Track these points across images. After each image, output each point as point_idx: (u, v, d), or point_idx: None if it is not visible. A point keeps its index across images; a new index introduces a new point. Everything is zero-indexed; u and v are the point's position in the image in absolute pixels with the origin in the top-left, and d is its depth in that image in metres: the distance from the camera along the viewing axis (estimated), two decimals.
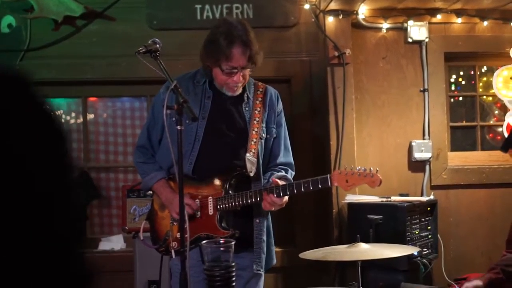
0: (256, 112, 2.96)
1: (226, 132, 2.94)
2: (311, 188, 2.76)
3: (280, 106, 3.10)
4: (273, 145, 3.04)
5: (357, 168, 2.73)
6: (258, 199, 2.81)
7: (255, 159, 2.89)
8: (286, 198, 2.84)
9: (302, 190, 2.77)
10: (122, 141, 5.12)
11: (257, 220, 2.94)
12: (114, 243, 4.90)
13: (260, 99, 3.00)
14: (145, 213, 3.83)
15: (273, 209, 2.87)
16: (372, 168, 2.71)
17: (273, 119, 3.04)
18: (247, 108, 2.98)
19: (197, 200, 2.88)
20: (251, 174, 2.87)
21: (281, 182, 2.83)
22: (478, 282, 3.20)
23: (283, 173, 3.00)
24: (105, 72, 4.82)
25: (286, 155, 3.08)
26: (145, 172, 3.03)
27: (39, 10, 4.53)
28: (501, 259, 3.38)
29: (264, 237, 2.96)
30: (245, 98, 2.99)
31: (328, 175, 2.75)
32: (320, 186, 2.76)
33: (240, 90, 2.94)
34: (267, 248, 3.01)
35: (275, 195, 2.78)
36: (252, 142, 2.90)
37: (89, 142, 5.07)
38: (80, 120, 5.08)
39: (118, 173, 5.11)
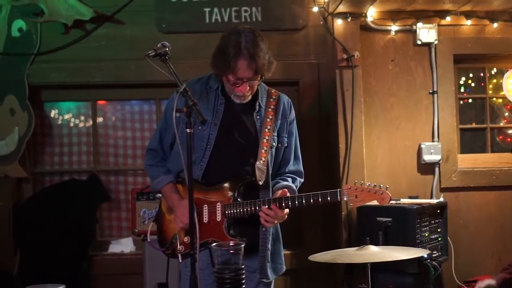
0: (268, 120, 2.93)
1: (237, 139, 2.91)
2: (320, 201, 2.74)
3: (292, 114, 3.06)
4: (284, 153, 3.01)
5: (367, 184, 2.70)
6: (267, 207, 2.80)
7: (265, 168, 2.86)
8: (287, 211, 2.81)
9: (311, 202, 2.75)
10: (131, 144, 5.13)
11: (263, 228, 2.93)
12: (124, 245, 4.91)
13: (272, 107, 2.96)
14: (154, 216, 3.84)
15: (268, 225, 2.82)
16: (382, 185, 2.68)
17: (285, 128, 3.01)
18: (258, 117, 2.94)
19: (205, 206, 2.88)
20: (260, 183, 2.85)
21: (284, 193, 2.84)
22: (491, 281, 3.19)
23: (288, 182, 2.97)
24: (114, 76, 4.85)
25: (296, 163, 3.06)
26: (154, 175, 3.03)
27: (49, 14, 4.56)
28: None
29: (269, 246, 2.93)
30: (257, 106, 2.95)
31: (338, 190, 2.72)
32: (329, 199, 2.73)
33: (248, 99, 2.90)
34: (277, 255, 2.99)
35: (283, 205, 2.76)
36: (263, 151, 2.88)
37: (99, 145, 5.09)
38: (90, 123, 5.10)
39: (128, 176, 5.13)
